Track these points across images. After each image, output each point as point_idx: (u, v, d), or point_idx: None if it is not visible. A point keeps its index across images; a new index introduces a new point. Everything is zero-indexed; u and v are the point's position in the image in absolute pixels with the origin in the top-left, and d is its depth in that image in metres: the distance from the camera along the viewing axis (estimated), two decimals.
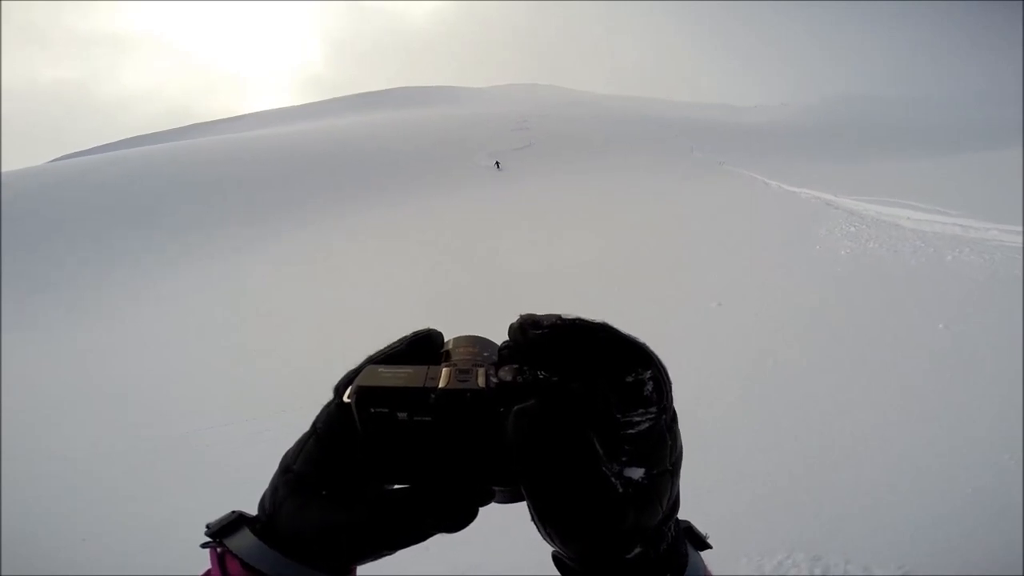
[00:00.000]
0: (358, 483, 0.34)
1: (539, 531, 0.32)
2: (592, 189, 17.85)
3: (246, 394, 5.83)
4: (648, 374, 0.32)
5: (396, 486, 0.34)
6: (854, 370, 4.46)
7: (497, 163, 26.07)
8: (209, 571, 0.35)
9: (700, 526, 0.39)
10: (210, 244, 15.89)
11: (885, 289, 6.19)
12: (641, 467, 0.31)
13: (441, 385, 0.31)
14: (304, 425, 0.37)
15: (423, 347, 0.37)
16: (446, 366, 0.33)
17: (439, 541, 0.36)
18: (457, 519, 0.33)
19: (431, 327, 0.39)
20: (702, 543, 0.38)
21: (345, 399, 0.32)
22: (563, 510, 0.30)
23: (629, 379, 0.31)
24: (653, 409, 0.32)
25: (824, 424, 3.77)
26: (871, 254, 7.46)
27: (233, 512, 0.38)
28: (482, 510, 0.34)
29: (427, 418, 0.31)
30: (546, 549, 0.34)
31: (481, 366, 0.33)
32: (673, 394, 0.34)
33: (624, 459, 0.31)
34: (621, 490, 0.30)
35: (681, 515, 0.36)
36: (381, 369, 0.32)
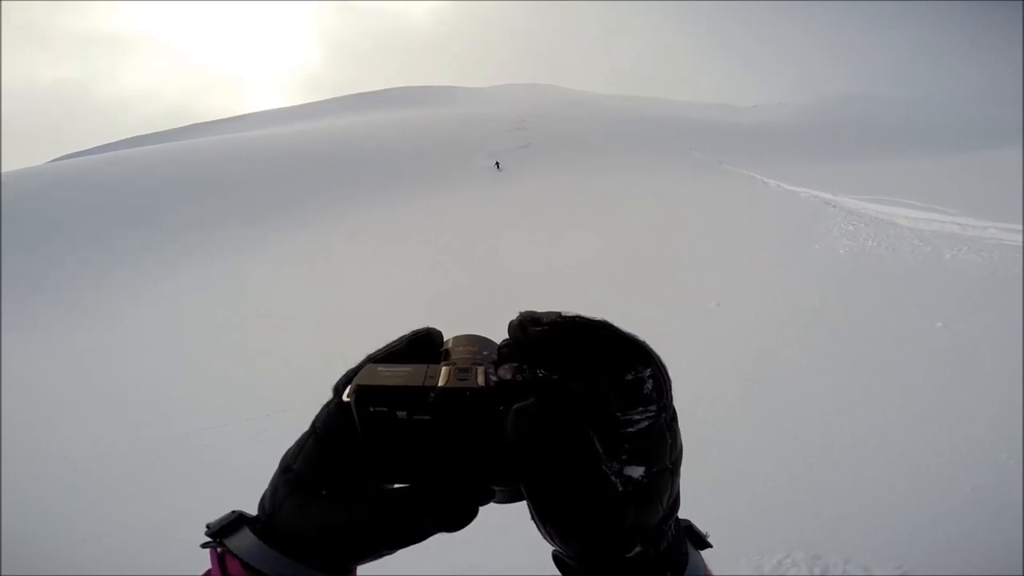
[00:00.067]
0: (358, 482, 0.34)
1: (539, 530, 0.32)
2: (591, 189, 17.85)
3: (246, 394, 5.83)
4: (648, 372, 0.32)
5: (396, 485, 0.34)
6: (853, 369, 4.46)
7: (497, 164, 25.62)
8: (209, 571, 0.35)
9: (700, 525, 0.39)
10: (210, 244, 15.89)
11: (884, 288, 6.19)
12: (641, 465, 0.31)
13: (440, 384, 0.31)
14: (304, 425, 0.37)
15: (422, 346, 0.37)
16: (445, 365, 0.33)
17: (439, 540, 0.36)
18: (457, 518, 0.33)
19: (430, 326, 0.39)
20: (702, 542, 0.38)
21: (344, 398, 0.32)
22: (563, 509, 0.30)
23: (629, 377, 0.31)
24: (653, 407, 0.32)
25: (824, 424, 3.77)
26: (870, 253, 7.47)
27: (233, 512, 0.38)
28: (482, 509, 0.34)
29: (426, 417, 0.31)
30: (546, 548, 0.34)
31: (480, 365, 0.33)
32: (673, 393, 0.34)
33: (624, 457, 0.31)
34: (621, 489, 0.30)
35: (681, 514, 0.36)
36: (380, 368, 0.32)
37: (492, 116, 44.07)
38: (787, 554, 2.61)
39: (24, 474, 4.55)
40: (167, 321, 9.75)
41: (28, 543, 3.55)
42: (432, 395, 0.31)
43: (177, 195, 21.10)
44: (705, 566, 0.37)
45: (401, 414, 0.31)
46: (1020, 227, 7.23)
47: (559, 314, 0.33)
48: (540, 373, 0.31)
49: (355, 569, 0.38)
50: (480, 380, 0.31)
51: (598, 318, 0.33)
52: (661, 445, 0.32)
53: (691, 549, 0.36)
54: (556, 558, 0.35)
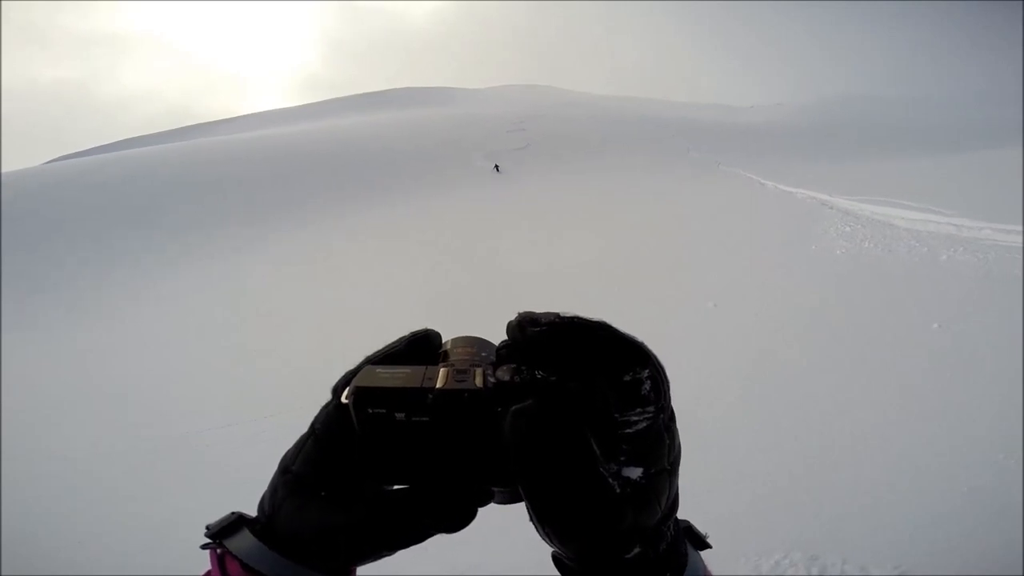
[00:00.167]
0: (357, 484, 0.34)
1: (538, 531, 0.32)
2: (590, 189, 17.85)
3: (246, 394, 5.83)
4: (646, 373, 0.32)
5: (395, 487, 0.34)
6: (852, 370, 4.47)
7: (496, 166, 24.92)
8: (209, 572, 0.35)
9: (700, 525, 0.39)
10: (210, 244, 15.89)
11: (881, 288, 6.19)
12: (639, 467, 0.31)
13: (439, 385, 0.31)
14: (304, 425, 0.37)
15: (421, 348, 0.37)
16: (444, 366, 0.33)
17: (438, 541, 0.36)
18: (456, 519, 0.33)
19: (429, 328, 0.39)
20: (702, 543, 0.38)
21: (343, 400, 0.32)
22: (561, 510, 0.30)
23: (627, 378, 0.31)
24: (651, 408, 0.32)
25: (823, 424, 3.77)
26: (867, 254, 7.48)
27: (233, 513, 0.38)
28: (481, 510, 0.34)
29: (425, 418, 0.31)
30: (546, 549, 0.34)
31: (479, 366, 0.33)
32: (671, 393, 0.34)
33: (622, 459, 0.31)
34: (619, 490, 0.30)
35: (681, 514, 0.36)
36: (379, 370, 0.32)
37: (491, 117, 44.05)
38: (785, 554, 2.62)
39: (24, 474, 4.55)
40: (167, 321, 9.74)
41: (28, 543, 3.55)
42: (430, 396, 0.31)
43: (177, 195, 21.10)
44: (704, 567, 0.37)
45: (400, 415, 0.31)
46: (1015, 227, 7.24)
47: (557, 315, 0.33)
48: (538, 374, 0.31)
49: (355, 570, 0.38)
50: (478, 381, 0.31)
51: (596, 319, 0.33)
52: (659, 446, 0.32)
53: (690, 550, 0.36)
54: (555, 559, 0.35)
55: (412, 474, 0.33)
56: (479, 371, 0.32)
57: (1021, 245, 6.65)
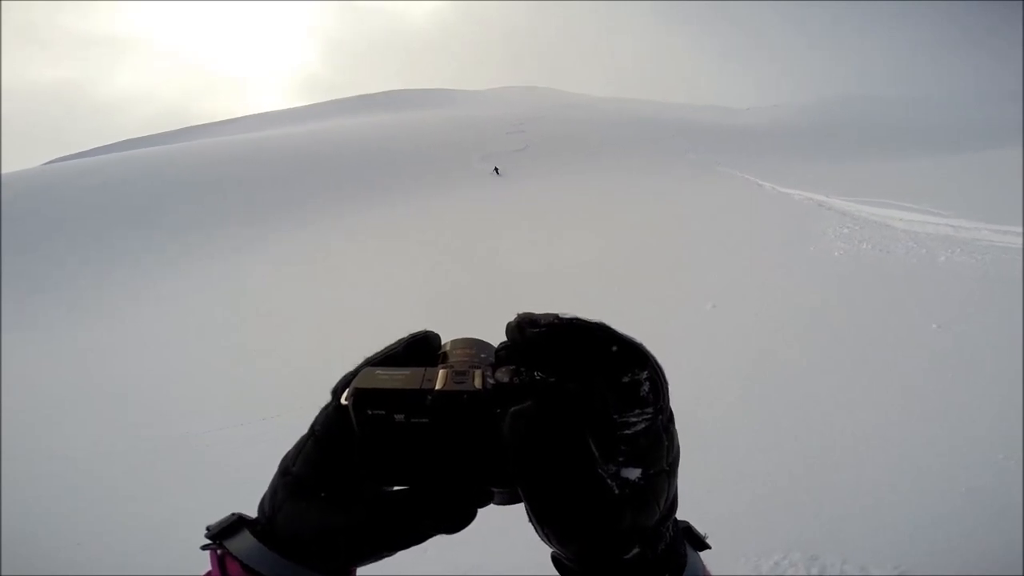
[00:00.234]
0: (356, 485, 0.34)
1: (537, 532, 0.32)
2: (590, 190, 17.84)
3: (246, 394, 5.83)
4: (644, 374, 0.32)
5: (394, 488, 0.34)
6: (852, 370, 4.47)
7: (496, 169, 24.55)
8: (209, 573, 0.36)
9: (699, 526, 0.39)
10: (210, 244, 15.89)
11: (879, 289, 6.20)
12: (638, 467, 0.31)
13: (438, 387, 0.31)
14: (304, 426, 0.37)
15: (420, 349, 0.37)
16: (443, 368, 0.33)
17: (438, 542, 0.37)
18: (455, 520, 0.33)
19: (428, 329, 0.39)
20: (701, 543, 0.38)
21: (343, 401, 0.33)
22: (560, 511, 0.30)
23: (625, 379, 0.31)
24: (649, 409, 0.32)
25: (823, 424, 3.77)
26: (865, 255, 7.48)
27: (233, 514, 0.38)
28: (481, 511, 0.34)
29: (424, 420, 0.31)
30: (545, 550, 0.34)
31: (478, 368, 0.33)
32: (670, 394, 0.34)
33: (621, 460, 0.31)
34: (618, 491, 0.30)
35: (680, 515, 0.36)
36: (378, 371, 0.33)
37: (490, 118, 44.04)
38: (785, 555, 2.62)
39: (24, 474, 4.55)
40: (167, 321, 9.75)
41: (28, 543, 3.55)
42: (429, 398, 0.31)
43: (177, 195, 21.10)
44: (704, 567, 0.37)
45: (399, 417, 0.31)
46: (1013, 228, 7.24)
47: (556, 316, 0.33)
48: (537, 375, 0.32)
49: (354, 571, 0.38)
50: (477, 383, 0.31)
51: (595, 320, 0.33)
52: (658, 447, 0.33)
53: (690, 550, 0.36)
54: (555, 559, 0.35)
55: (412, 475, 0.33)
56: (478, 372, 0.32)
57: (1020, 246, 6.66)
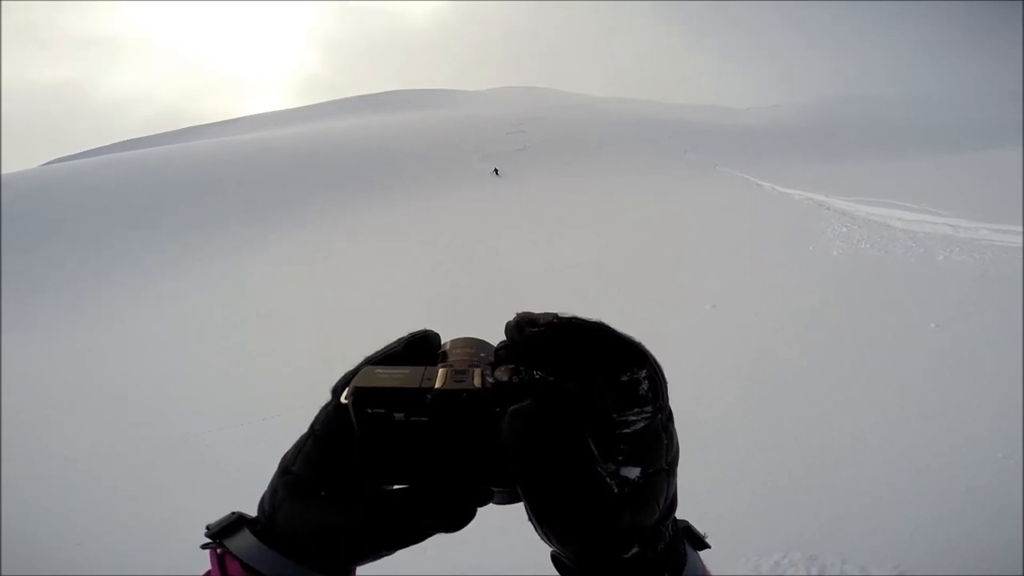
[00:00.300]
0: (356, 484, 0.34)
1: (536, 531, 0.32)
2: (589, 190, 17.85)
3: (246, 394, 5.83)
4: (643, 373, 0.32)
5: (394, 487, 0.34)
6: (852, 369, 4.47)
7: (496, 170, 24.43)
8: (209, 572, 0.36)
9: (699, 525, 0.39)
10: (210, 244, 15.90)
11: (878, 289, 6.20)
12: (637, 466, 0.31)
13: (437, 386, 0.31)
14: (304, 426, 0.37)
15: (420, 348, 0.37)
16: (443, 367, 0.33)
17: (437, 541, 0.37)
18: (455, 519, 0.33)
19: (428, 328, 0.39)
20: (700, 543, 0.38)
21: (342, 400, 0.33)
22: (559, 510, 0.30)
23: (625, 378, 0.31)
24: (648, 408, 0.32)
25: (823, 424, 3.77)
26: (863, 254, 7.48)
27: (233, 513, 0.38)
28: (480, 510, 0.34)
29: (424, 419, 0.31)
30: (545, 549, 0.34)
31: (477, 366, 0.33)
32: (669, 394, 0.34)
33: (620, 459, 0.31)
34: (617, 490, 0.30)
35: (680, 514, 0.36)
36: (378, 370, 0.33)
37: (490, 119, 44.05)
38: (785, 554, 2.62)
39: (24, 474, 4.55)
40: (167, 321, 9.75)
41: (28, 543, 3.55)
42: (429, 397, 0.31)
43: (177, 195, 21.12)
44: (703, 567, 0.37)
45: (399, 416, 0.31)
46: (1012, 227, 7.24)
47: (555, 315, 0.33)
48: (536, 374, 0.32)
49: (354, 570, 0.38)
50: (477, 382, 0.31)
51: (594, 319, 0.33)
52: (657, 446, 0.33)
53: (689, 550, 0.36)
54: (555, 559, 0.35)
55: (411, 474, 0.33)
56: (478, 371, 0.32)
57: (1020, 245, 6.66)
